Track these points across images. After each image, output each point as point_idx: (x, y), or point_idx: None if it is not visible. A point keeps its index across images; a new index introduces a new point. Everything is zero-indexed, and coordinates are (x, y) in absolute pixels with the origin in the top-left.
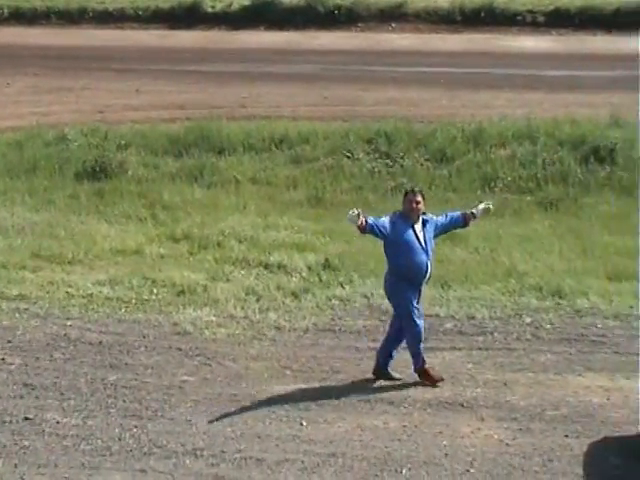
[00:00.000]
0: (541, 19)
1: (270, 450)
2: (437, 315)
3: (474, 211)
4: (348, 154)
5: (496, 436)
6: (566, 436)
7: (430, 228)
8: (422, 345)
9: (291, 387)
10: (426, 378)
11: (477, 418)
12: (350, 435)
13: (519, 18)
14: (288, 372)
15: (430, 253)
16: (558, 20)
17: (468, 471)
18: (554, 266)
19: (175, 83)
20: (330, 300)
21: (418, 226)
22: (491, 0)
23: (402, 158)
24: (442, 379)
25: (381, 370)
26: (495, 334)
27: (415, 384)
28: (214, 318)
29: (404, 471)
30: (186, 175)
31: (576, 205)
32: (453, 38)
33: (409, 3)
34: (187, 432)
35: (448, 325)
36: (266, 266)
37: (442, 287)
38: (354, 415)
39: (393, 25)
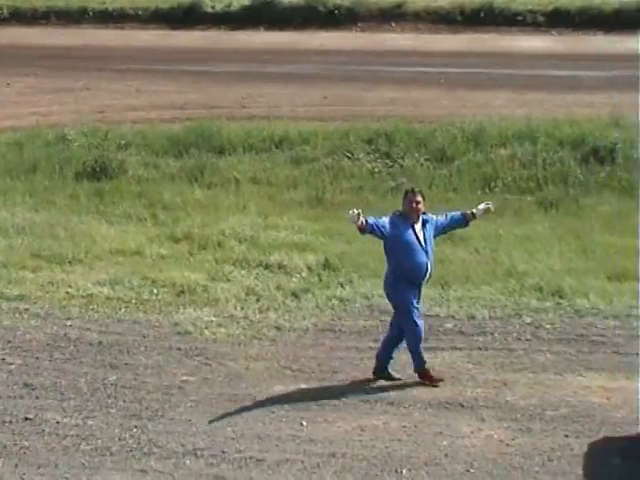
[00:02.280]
0: (541, 19)
1: (270, 450)
2: (437, 315)
3: (474, 211)
4: (348, 154)
5: (496, 436)
6: (566, 436)
7: (430, 228)
8: (422, 345)
9: (291, 387)
10: (426, 378)
11: (477, 418)
12: (350, 435)
13: (519, 18)
14: (288, 372)
15: (430, 253)
16: (558, 20)
17: (468, 471)
18: (554, 266)
19: (175, 83)
20: (330, 300)
21: (418, 226)
22: (491, 0)
23: (402, 158)
24: (442, 380)
25: (381, 370)
26: (495, 334)
27: (415, 384)
28: (214, 318)
29: (404, 471)
30: (186, 175)
31: (576, 205)
32: (453, 38)
33: (409, 3)
34: (187, 432)
35: (448, 325)
36: (266, 266)
37: (442, 287)
38: (354, 415)
39: (393, 25)
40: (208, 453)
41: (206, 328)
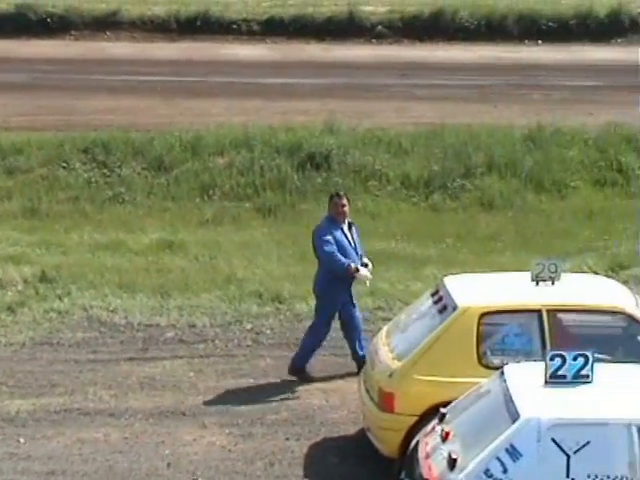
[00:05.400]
0: (256, 28)
1: None
2: (158, 325)
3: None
4: (64, 164)
5: (218, 442)
6: (287, 439)
7: (356, 231)
8: (315, 350)
9: (7, 403)
10: (300, 377)
11: (199, 426)
12: (70, 450)
13: (234, 27)
14: (4, 388)
15: (359, 253)
16: (272, 29)
17: None
18: (273, 272)
19: None
20: (48, 313)
21: (345, 227)
22: (206, 9)
23: (120, 167)
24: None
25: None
26: (216, 341)
27: (135, 395)
28: None
29: None
30: None
31: (294, 211)
32: (169, 47)
33: (124, 11)
34: None
35: (169, 334)
36: None
37: (162, 296)
38: (74, 429)
39: (108, 33)
40: None
41: None
